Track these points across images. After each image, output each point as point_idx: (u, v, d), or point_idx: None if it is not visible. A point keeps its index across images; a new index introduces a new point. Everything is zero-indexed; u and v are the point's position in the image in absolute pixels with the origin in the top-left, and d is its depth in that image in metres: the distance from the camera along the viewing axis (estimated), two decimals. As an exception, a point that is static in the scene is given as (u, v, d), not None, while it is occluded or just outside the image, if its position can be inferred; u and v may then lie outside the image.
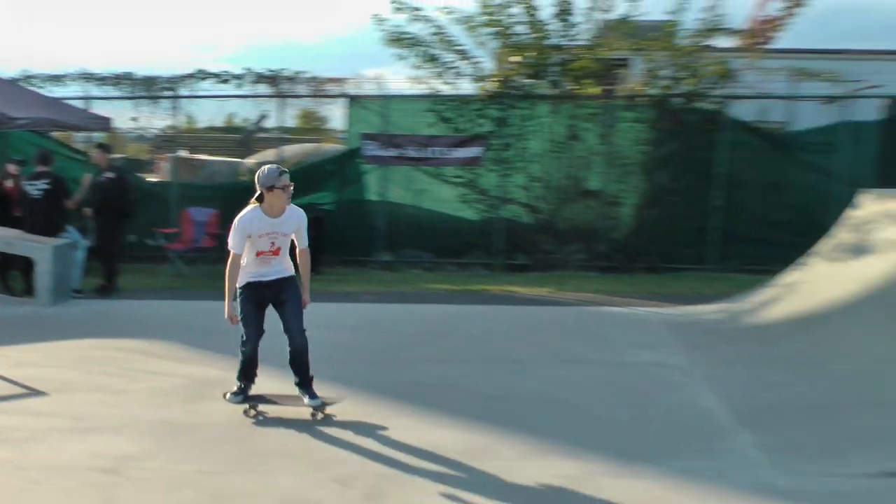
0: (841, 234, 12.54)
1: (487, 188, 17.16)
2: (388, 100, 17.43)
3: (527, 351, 10.50)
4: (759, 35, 20.60)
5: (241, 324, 7.64)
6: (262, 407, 8.03)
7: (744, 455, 7.05)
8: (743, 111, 17.31)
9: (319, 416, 7.81)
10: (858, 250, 11.70)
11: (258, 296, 7.69)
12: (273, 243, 7.61)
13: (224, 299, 7.65)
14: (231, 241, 7.52)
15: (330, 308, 12.60)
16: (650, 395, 8.73)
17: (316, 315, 12.16)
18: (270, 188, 7.43)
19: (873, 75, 16.49)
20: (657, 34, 16.97)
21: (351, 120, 17.72)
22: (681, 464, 6.83)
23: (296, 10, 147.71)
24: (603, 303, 13.54)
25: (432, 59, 17.06)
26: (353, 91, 17.58)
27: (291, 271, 7.90)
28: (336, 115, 19.62)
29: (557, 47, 17.10)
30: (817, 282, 11.76)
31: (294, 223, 7.73)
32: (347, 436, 7.46)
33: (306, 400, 7.84)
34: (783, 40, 21.84)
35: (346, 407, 8.10)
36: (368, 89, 17.60)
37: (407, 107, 17.37)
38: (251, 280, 7.63)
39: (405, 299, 13.75)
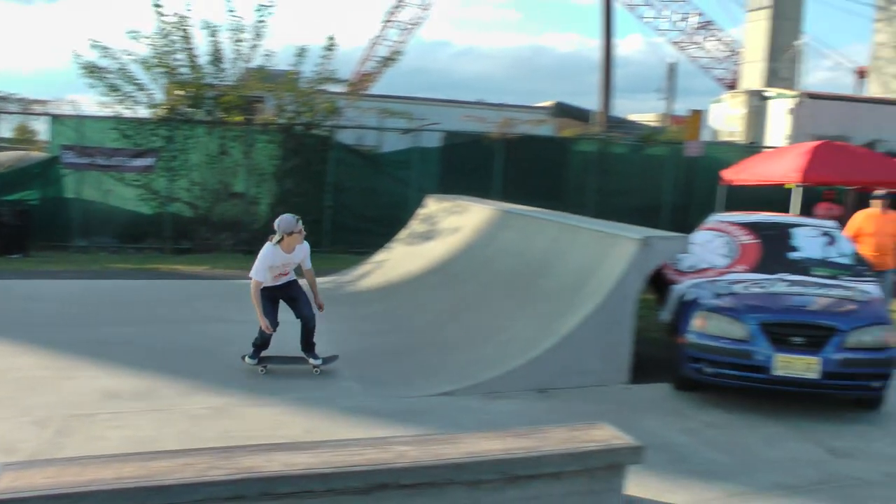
0: (414, 226, 13.00)
1: (159, 189, 16.21)
2: (82, 119, 16.10)
3: (186, 313, 9.97)
4: (358, 84, 21.04)
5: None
6: (271, 366, 7.62)
7: (345, 386, 7.10)
8: (346, 137, 17.44)
9: (318, 371, 7.44)
10: (426, 236, 12.18)
11: (273, 295, 7.33)
12: (286, 268, 7.34)
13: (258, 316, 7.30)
14: (255, 272, 7.32)
15: (37, 283, 11.58)
16: (278, 344, 8.59)
17: (25, 289, 11.05)
18: (290, 233, 7.24)
19: (435, 116, 17.25)
20: (284, 79, 16.79)
21: (53, 134, 16.17)
22: (299, 394, 6.77)
23: (15, 47, 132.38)
24: (244, 277, 13.10)
25: (116, 88, 15.99)
26: (54, 111, 16.17)
27: (294, 276, 7.56)
28: (43, 130, 18.00)
29: (211, 85, 16.51)
30: (398, 259, 12.11)
31: (301, 255, 7.50)
32: (44, 386, 6.74)
33: (311, 360, 7.50)
34: (376, 88, 22.49)
35: (44, 362, 7.35)
36: (67, 110, 16.28)
37: (97, 125, 16.05)
38: (268, 286, 7.27)
39: (96, 276, 12.63)
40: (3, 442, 5.48)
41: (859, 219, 10.61)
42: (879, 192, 10.71)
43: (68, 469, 4.26)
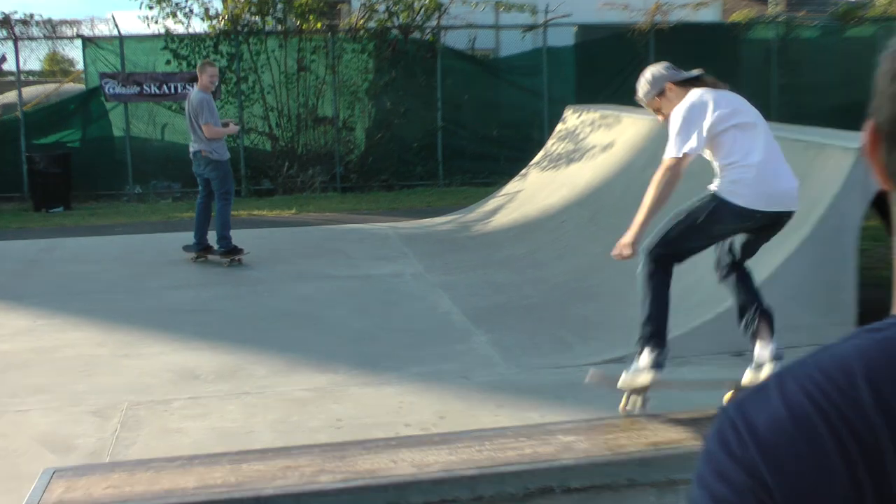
0: (551, 146, 12.61)
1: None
2: (123, 39, 16.09)
3: (272, 271, 9.92)
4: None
5: None
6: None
7: (481, 354, 6.82)
8: (455, 40, 17.05)
9: None
10: (568, 159, 11.77)
11: None
12: None
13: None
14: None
15: (84, 241, 11.76)
16: (392, 304, 8.38)
17: (71, 248, 11.27)
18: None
19: (565, 6, 16.55)
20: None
21: (87, 60, 16.33)
22: (425, 368, 6.52)
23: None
24: (343, 220, 13.09)
25: (162, -1, 15.99)
26: (87, 32, 16.15)
27: None
28: (78, 57, 18.17)
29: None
30: (534, 190, 11.78)
31: None
32: (102, 366, 6.69)
33: None
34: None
35: (100, 337, 7.36)
36: (103, 30, 16.21)
37: (143, 45, 16.15)
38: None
39: (154, 229, 12.69)
40: (55, 438, 5.35)
41: None
42: None
43: (137, 475, 4.07)
